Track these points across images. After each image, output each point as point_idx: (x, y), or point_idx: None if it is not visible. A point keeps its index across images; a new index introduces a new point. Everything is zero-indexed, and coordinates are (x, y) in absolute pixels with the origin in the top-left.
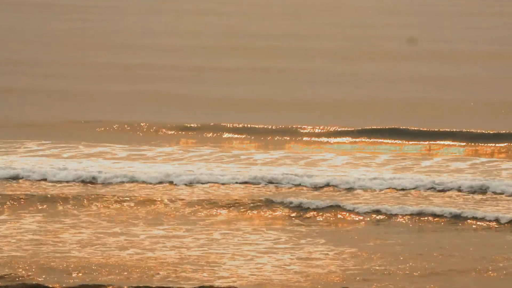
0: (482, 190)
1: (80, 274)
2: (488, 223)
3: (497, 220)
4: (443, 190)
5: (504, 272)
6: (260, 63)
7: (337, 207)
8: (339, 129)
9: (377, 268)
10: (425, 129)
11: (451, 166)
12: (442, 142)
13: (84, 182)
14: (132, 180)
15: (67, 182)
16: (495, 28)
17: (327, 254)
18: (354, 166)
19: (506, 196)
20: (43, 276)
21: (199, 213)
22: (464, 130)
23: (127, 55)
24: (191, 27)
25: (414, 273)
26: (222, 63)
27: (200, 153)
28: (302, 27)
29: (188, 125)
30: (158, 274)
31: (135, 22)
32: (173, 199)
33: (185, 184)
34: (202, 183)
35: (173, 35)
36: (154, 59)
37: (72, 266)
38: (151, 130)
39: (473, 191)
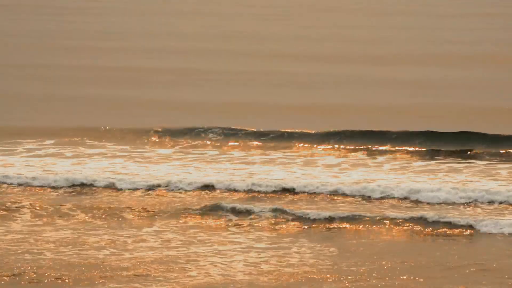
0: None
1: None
2: None
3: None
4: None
5: None
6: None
7: None
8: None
9: None
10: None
11: None
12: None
13: None
14: None
15: None
16: (482, 29)
17: None
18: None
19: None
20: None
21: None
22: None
23: (106, 58)
24: (181, 29)
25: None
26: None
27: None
28: (295, 29)
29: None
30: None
31: (128, 24)
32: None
33: None
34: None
35: (167, 37)
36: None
37: None
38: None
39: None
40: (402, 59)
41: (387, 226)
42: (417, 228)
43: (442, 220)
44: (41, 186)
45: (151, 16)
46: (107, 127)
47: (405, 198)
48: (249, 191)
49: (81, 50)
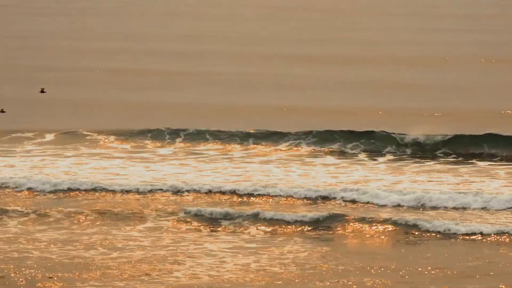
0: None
1: None
2: None
3: None
4: None
5: None
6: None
7: None
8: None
9: None
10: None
11: None
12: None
13: None
14: None
15: None
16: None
17: None
18: None
19: None
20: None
21: None
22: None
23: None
24: (178, 31)
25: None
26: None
27: None
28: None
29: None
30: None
31: (126, 24)
32: None
33: None
34: None
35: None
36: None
37: None
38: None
39: None
40: (395, 60)
41: (374, 228)
42: (407, 231)
43: (430, 224)
44: (31, 188)
45: (149, 17)
46: (102, 129)
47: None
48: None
49: (81, 51)
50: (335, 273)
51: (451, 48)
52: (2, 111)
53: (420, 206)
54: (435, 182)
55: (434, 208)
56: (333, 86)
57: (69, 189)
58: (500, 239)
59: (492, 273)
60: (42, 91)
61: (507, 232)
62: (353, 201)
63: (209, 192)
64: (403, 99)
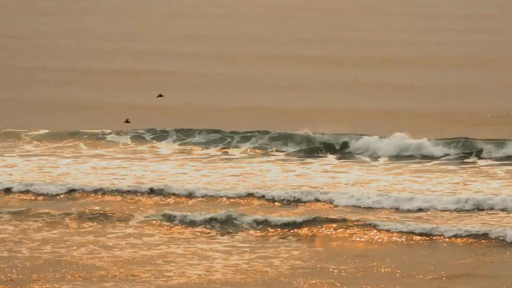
0: None
1: None
2: None
3: None
4: None
5: None
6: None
7: None
8: None
9: None
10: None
11: None
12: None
13: None
14: None
15: None
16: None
17: None
18: None
19: None
20: None
21: None
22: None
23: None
24: (174, 31)
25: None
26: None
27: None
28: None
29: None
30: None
31: (124, 25)
32: None
33: None
34: None
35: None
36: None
37: None
38: None
39: None
40: (395, 60)
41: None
42: (399, 233)
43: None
44: (26, 189)
45: (149, 17)
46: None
47: None
48: None
49: (81, 51)
50: (330, 274)
51: (451, 48)
52: (127, 121)
53: (416, 208)
54: (434, 182)
55: (427, 209)
56: (333, 86)
57: (65, 190)
58: (488, 241)
59: (479, 275)
60: (160, 96)
61: (491, 233)
62: (347, 203)
63: (204, 193)
64: (402, 99)
